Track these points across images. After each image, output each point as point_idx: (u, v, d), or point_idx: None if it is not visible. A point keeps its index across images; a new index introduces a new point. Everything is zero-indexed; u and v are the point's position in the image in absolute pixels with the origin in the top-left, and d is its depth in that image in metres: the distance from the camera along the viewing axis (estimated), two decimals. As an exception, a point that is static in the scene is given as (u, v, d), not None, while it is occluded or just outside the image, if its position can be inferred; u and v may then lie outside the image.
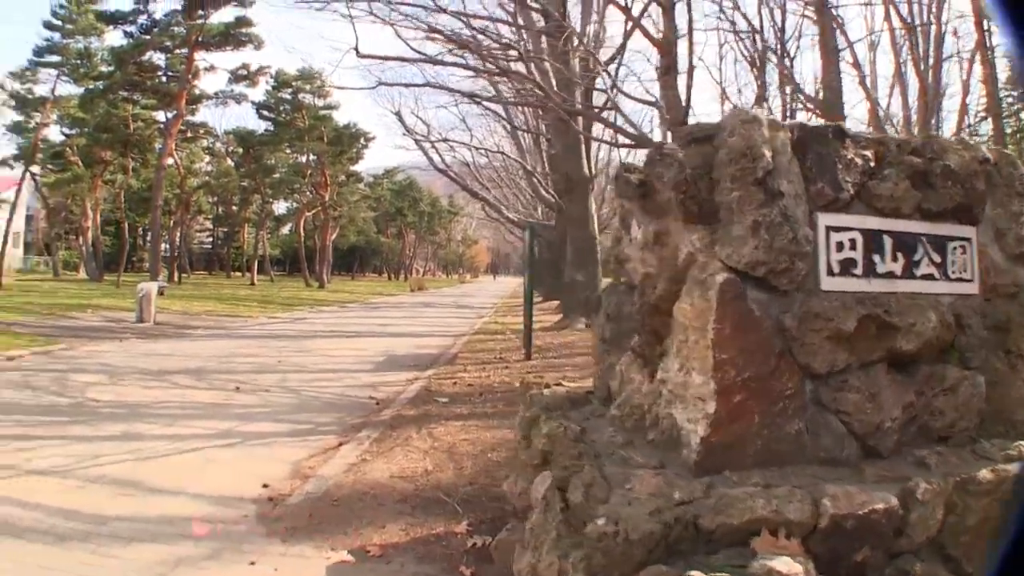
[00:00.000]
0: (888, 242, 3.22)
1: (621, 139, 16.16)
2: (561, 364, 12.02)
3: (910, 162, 3.35)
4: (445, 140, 29.72)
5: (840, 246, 3.12)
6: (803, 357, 2.92)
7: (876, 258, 3.19)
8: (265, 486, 5.12)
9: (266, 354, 13.01)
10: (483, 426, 7.05)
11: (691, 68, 11.54)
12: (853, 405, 2.99)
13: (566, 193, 20.32)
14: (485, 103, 34.41)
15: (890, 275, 3.20)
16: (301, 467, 5.70)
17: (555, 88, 19.42)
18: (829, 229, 3.11)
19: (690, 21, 11.83)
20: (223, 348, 13.76)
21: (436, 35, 13.61)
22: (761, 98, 16.48)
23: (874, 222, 3.22)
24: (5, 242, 39.46)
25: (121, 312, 19.74)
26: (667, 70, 11.78)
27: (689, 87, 11.76)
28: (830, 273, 3.07)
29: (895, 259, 3.22)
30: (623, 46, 14.73)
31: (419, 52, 17.91)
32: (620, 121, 12.92)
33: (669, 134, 13.66)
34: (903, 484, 2.71)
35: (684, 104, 11.74)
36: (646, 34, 11.70)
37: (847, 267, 3.12)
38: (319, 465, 5.75)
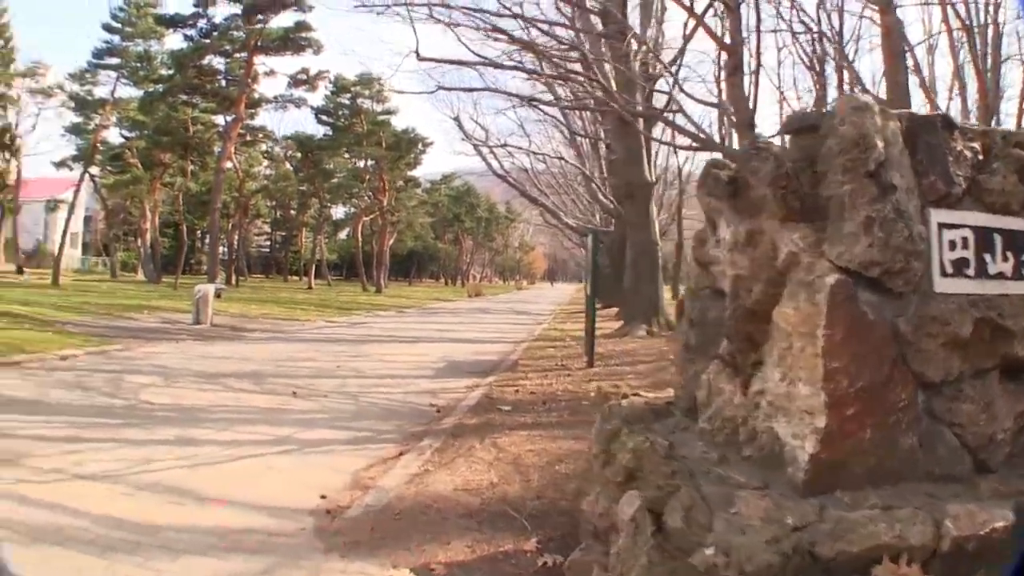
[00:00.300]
0: (999, 240, 2.98)
1: (682, 141, 15.91)
2: (624, 372, 11.75)
3: (1016, 155, 3.08)
4: (504, 145, 29.71)
5: (952, 244, 2.88)
6: (917, 365, 2.68)
7: (987, 257, 2.94)
8: (323, 497, 4.96)
9: (324, 358, 12.98)
10: (549, 436, 6.84)
11: (758, 69, 11.22)
12: (967, 416, 2.77)
13: (627, 198, 20.04)
14: (543, 107, 34.44)
15: (1001, 276, 2.95)
16: (360, 477, 5.52)
17: (616, 91, 19.24)
18: (941, 226, 2.87)
19: (758, 21, 11.48)
20: (280, 351, 13.84)
21: (499, 35, 13.47)
22: (821, 100, 16.02)
23: (984, 219, 2.97)
24: (63, 242, 40.61)
25: (178, 314, 20.03)
26: (734, 70, 11.45)
27: (755, 88, 11.41)
28: (943, 274, 2.82)
29: (1005, 259, 2.98)
30: (684, 47, 14.38)
31: (479, 55, 17.94)
32: (682, 123, 12.63)
33: (735, 135, 13.34)
34: (1018, 499, 2.49)
35: (751, 106, 11.42)
36: (711, 34, 11.42)
37: (960, 267, 2.88)
38: (379, 475, 5.57)
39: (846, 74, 14.97)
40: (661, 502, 2.57)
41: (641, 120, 20.23)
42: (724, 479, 2.66)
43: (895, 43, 10.91)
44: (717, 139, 14.36)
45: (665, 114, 13.41)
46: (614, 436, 3.22)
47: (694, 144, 11.93)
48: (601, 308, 33.47)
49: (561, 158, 32.63)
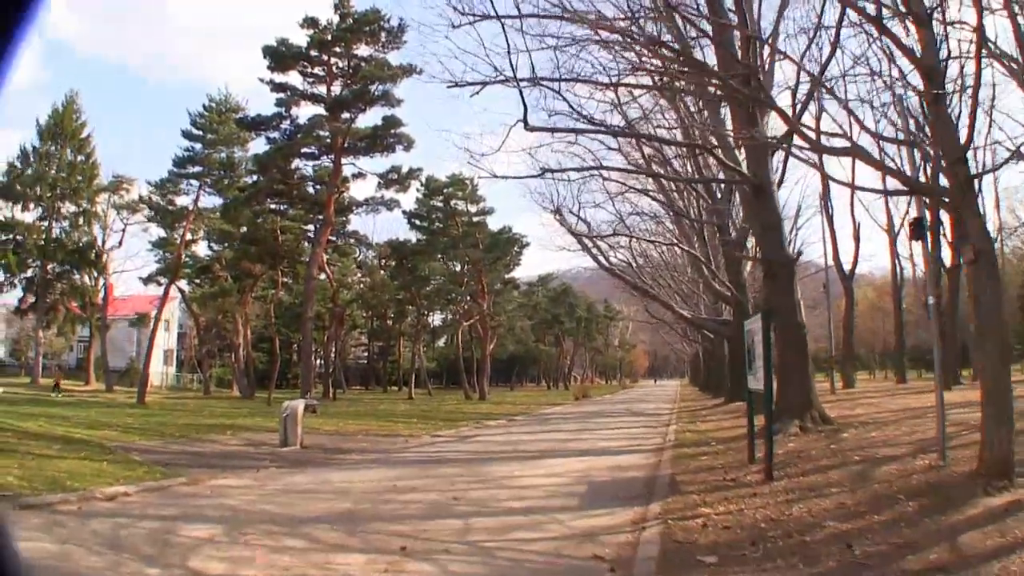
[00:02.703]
0: None
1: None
2: (818, 484, 9.05)
3: None
4: (615, 234, 27.74)
5: None
6: None
7: None
8: None
9: (436, 487, 10.61)
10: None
11: (976, 88, 8.76)
12: None
13: (768, 279, 17.42)
14: (651, 193, 32.50)
15: None
16: None
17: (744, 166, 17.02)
18: None
19: (979, 23, 9.07)
20: (381, 480, 11.40)
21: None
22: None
23: None
24: (148, 359, 40.44)
25: (265, 433, 18.24)
26: (936, 97, 9.09)
27: (972, 117, 8.96)
28: None
29: None
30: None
31: (593, 122, 16.14)
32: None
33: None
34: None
35: (961, 138, 8.97)
36: (905, 52, 9.06)
37: None
38: None
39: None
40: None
41: (776, 187, 17.97)
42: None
43: None
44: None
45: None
46: None
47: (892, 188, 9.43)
48: (723, 403, 30.34)
49: (674, 243, 30.17)
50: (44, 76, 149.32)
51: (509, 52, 13.33)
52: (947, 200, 9.35)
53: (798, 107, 14.27)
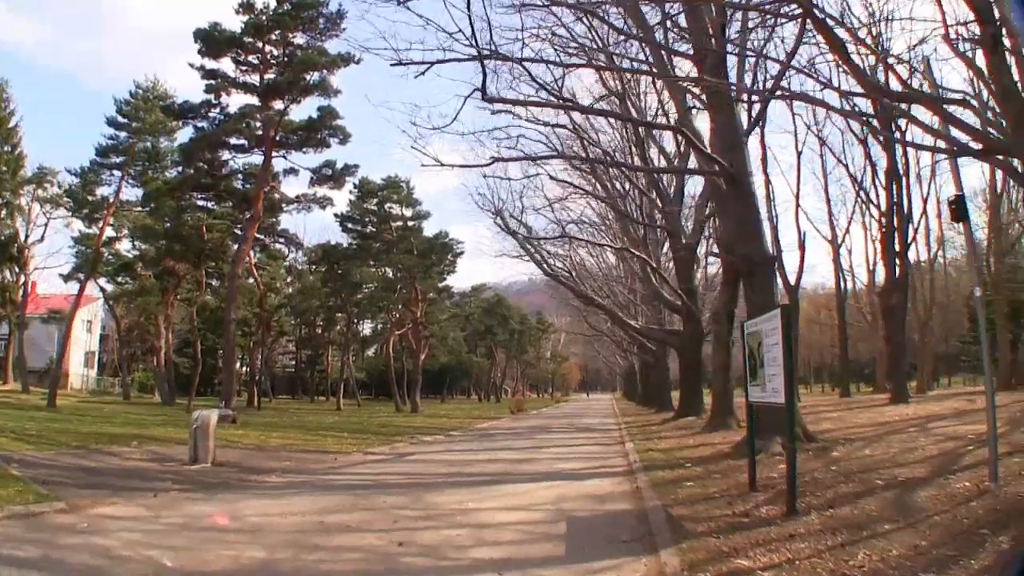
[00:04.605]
0: None
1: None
2: (857, 518, 7.40)
3: None
4: (564, 235, 25.99)
5: None
6: None
7: None
8: None
9: (374, 524, 8.28)
10: None
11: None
12: None
13: (745, 278, 15.76)
14: (599, 197, 30.84)
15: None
16: None
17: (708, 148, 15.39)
18: None
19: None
20: (306, 513, 9.00)
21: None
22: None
23: None
24: (61, 359, 38.13)
25: (176, 446, 15.58)
26: (994, 43, 7.48)
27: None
28: None
29: None
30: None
31: (559, 97, 14.20)
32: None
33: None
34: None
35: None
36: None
37: None
38: None
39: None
40: None
41: (756, 177, 16.40)
42: None
43: None
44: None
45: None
46: None
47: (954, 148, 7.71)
48: (671, 418, 28.65)
49: (625, 248, 28.47)
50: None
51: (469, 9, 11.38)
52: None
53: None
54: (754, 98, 16.19)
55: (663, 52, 16.83)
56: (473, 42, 11.43)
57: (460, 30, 11.41)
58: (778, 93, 13.19)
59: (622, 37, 16.02)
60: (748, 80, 17.71)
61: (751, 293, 15.39)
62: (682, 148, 27.59)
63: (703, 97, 17.11)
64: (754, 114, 17.42)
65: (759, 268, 15.26)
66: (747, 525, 7.55)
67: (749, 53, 15.14)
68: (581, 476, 13.03)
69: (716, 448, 15.56)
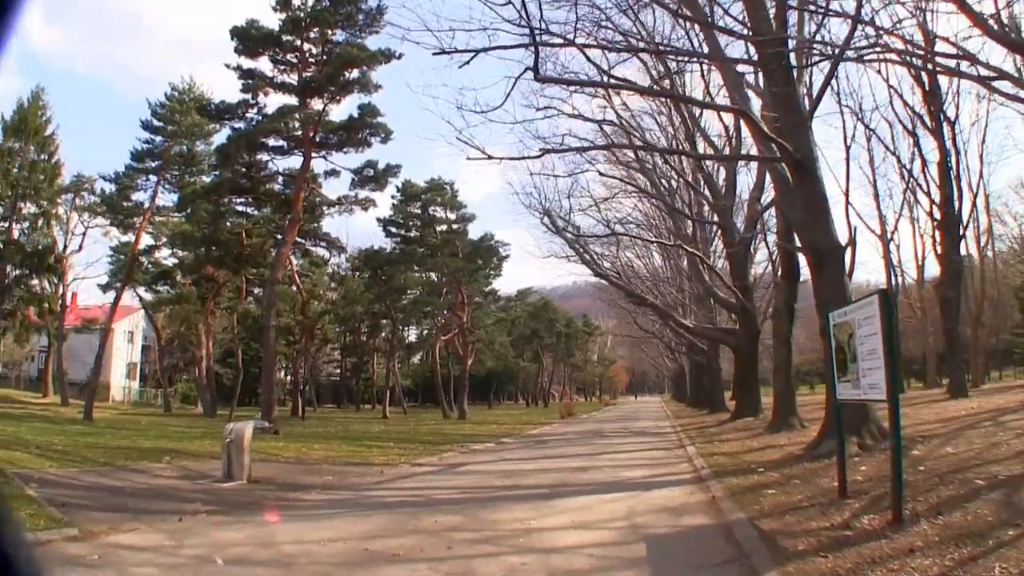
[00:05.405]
0: None
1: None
2: (976, 526, 6.53)
3: None
4: (613, 233, 25.13)
5: None
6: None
7: None
8: None
9: (426, 551, 7.26)
10: None
11: None
12: None
13: (814, 270, 14.74)
14: (647, 192, 29.91)
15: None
16: None
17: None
18: None
19: None
20: (348, 539, 7.90)
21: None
22: None
23: None
24: (98, 371, 37.88)
25: (212, 460, 14.67)
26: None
27: None
28: None
29: None
30: None
31: (615, 77, 13.41)
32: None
33: None
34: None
35: None
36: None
37: None
38: None
39: None
40: None
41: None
42: None
43: None
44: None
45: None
46: None
47: None
48: (729, 419, 27.50)
49: (679, 245, 27.50)
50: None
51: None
52: None
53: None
54: (816, 74, 15.19)
55: (716, 33, 16.00)
56: (524, 16, 10.64)
57: (509, 1, 10.60)
58: (849, 53, 12.15)
59: (669, 25, 15.20)
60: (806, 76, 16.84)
61: (820, 286, 14.39)
62: (733, 140, 26.66)
63: (759, 79, 16.25)
64: (814, 93, 16.43)
65: (829, 259, 14.26)
66: (852, 539, 6.69)
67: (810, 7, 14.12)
68: (647, 485, 12.20)
69: (784, 450, 14.76)
